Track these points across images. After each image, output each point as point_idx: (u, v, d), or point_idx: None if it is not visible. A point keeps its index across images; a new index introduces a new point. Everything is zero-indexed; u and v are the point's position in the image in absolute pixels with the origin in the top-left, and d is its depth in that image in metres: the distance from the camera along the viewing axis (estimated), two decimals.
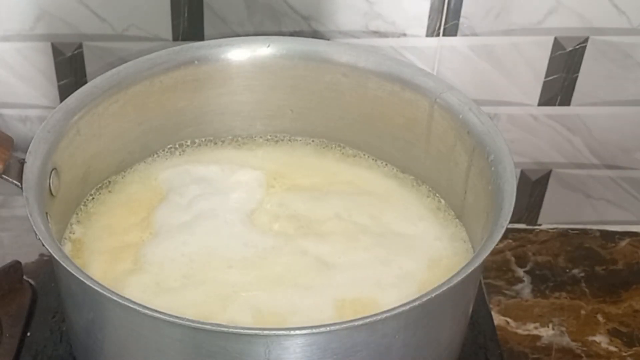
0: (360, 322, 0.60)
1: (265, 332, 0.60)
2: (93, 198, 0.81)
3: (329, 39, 0.93)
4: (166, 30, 0.93)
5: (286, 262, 0.75)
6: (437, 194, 0.83)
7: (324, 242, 0.77)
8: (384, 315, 0.60)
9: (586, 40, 0.94)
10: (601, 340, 0.87)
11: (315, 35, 0.93)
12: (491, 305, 0.89)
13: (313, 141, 0.88)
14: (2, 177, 0.69)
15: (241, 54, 0.83)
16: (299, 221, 0.79)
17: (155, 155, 0.85)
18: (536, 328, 0.88)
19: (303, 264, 0.75)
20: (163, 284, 0.73)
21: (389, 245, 0.77)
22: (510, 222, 0.66)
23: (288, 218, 0.80)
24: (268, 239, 0.77)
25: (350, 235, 0.78)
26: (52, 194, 0.73)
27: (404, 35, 0.93)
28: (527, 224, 1.01)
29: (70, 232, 0.78)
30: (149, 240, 0.77)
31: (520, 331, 0.87)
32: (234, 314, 0.70)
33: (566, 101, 0.98)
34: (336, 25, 0.93)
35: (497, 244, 0.65)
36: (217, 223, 0.78)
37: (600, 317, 0.89)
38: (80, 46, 0.93)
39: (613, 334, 0.87)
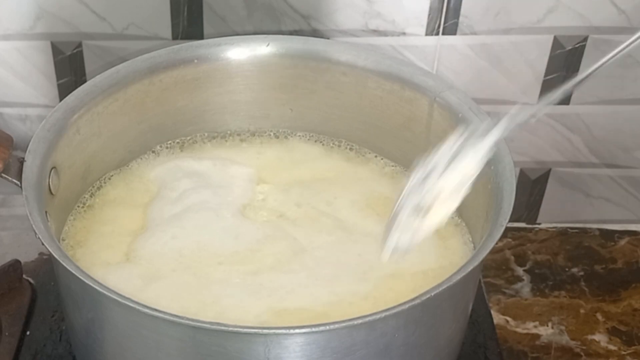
0: (360, 321, 0.60)
1: (265, 331, 0.60)
2: (92, 196, 0.81)
3: (328, 38, 0.93)
4: (166, 30, 0.93)
5: (275, 255, 0.75)
6: None
7: (319, 238, 0.77)
8: (384, 314, 0.60)
9: (586, 39, 0.94)
10: (600, 339, 0.87)
11: (315, 34, 0.93)
12: (490, 304, 0.89)
13: (312, 139, 0.88)
14: (2, 176, 0.69)
15: (240, 53, 0.83)
16: (292, 219, 0.79)
17: (155, 154, 0.85)
18: (535, 327, 0.88)
19: (290, 256, 0.75)
20: (152, 277, 0.73)
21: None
22: (510, 221, 0.66)
23: (281, 216, 0.80)
24: (258, 234, 0.77)
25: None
26: (51, 192, 0.73)
27: (404, 34, 0.93)
28: (527, 223, 1.01)
29: (69, 231, 0.78)
30: (141, 234, 0.77)
31: (519, 330, 0.87)
32: (224, 304, 0.70)
33: (566, 100, 0.98)
34: (336, 24, 0.93)
35: (496, 243, 0.65)
36: (208, 216, 0.78)
37: (599, 316, 0.89)
38: (79, 45, 0.93)
39: (612, 332, 0.87)
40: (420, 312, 0.64)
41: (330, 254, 0.75)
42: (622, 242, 0.97)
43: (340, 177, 0.85)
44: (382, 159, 0.86)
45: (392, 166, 0.85)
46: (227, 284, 0.72)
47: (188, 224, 0.78)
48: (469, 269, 0.63)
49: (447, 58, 0.95)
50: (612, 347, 0.86)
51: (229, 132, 0.88)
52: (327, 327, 0.60)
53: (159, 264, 0.74)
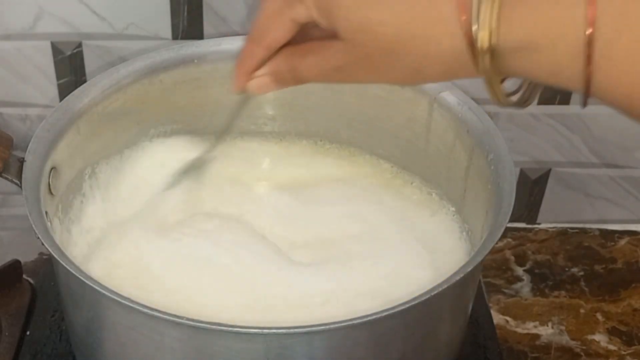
0: (360, 321, 0.60)
1: (265, 331, 0.60)
2: (92, 196, 0.81)
3: None
4: (166, 29, 0.92)
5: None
6: (436, 193, 0.83)
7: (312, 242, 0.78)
8: (384, 314, 0.60)
9: None
10: (600, 339, 0.87)
11: None
12: (490, 304, 0.89)
13: (311, 139, 0.88)
14: (2, 176, 0.70)
15: None
16: (289, 221, 0.80)
17: (155, 154, 0.85)
18: (535, 327, 0.88)
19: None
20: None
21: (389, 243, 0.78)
22: (510, 221, 0.66)
23: (277, 216, 0.80)
24: (251, 233, 0.77)
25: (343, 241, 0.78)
26: (51, 192, 0.73)
27: None
28: (527, 223, 1.01)
29: (69, 231, 0.78)
30: (142, 236, 0.77)
31: (519, 330, 0.87)
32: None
33: (566, 100, 0.98)
34: None
35: (496, 243, 0.65)
36: (206, 218, 0.78)
37: (599, 316, 0.89)
38: (79, 45, 0.93)
39: (612, 332, 0.87)
40: (420, 312, 0.64)
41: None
42: (622, 242, 0.97)
43: (339, 178, 0.85)
44: (379, 160, 0.86)
45: (392, 167, 0.85)
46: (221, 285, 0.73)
47: (187, 226, 0.78)
48: (469, 269, 0.63)
49: None
50: (612, 347, 0.86)
51: (229, 132, 0.88)
52: (327, 327, 0.60)
53: (160, 266, 0.74)
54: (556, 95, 0.98)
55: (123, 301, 0.60)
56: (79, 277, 0.62)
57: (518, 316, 0.88)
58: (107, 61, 0.94)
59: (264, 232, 0.78)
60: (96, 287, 0.61)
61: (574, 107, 0.98)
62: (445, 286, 0.62)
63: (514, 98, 0.53)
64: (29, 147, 0.71)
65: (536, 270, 0.93)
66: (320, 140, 0.88)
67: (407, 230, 0.79)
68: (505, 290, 0.91)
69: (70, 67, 0.95)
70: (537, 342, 0.86)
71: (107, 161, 0.82)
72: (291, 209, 0.81)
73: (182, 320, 0.59)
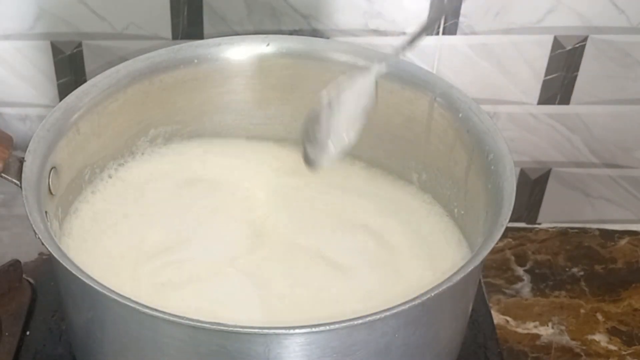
0: (360, 321, 0.60)
1: (265, 331, 0.60)
2: (92, 196, 0.81)
3: (328, 38, 0.93)
4: (166, 29, 0.93)
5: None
6: (437, 193, 0.83)
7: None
8: (384, 314, 0.60)
9: (586, 39, 0.94)
10: (600, 339, 0.87)
11: (315, 34, 0.93)
12: (491, 304, 0.89)
13: None
14: (2, 176, 0.69)
15: (240, 52, 0.83)
16: (288, 220, 0.80)
17: (155, 154, 0.86)
18: (536, 327, 0.88)
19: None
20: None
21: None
22: (510, 220, 0.66)
23: (278, 217, 0.80)
24: (245, 234, 0.78)
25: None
26: (51, 192, 0.73)
27: (404, 34, 0.94)
28: (527, 223, 1.01)
29: (69, 231, 0.78)
30: (142, 235, 0.77)
31: (519, 330, 0.87)
32: None
33: (566, 100, 0.98)
34: (336, 23, 0.93)
35: (496, 243, 0.65)
36: (206, 218, 0.79)
37: (599, 316, 0.89)
38: (79, 45, 0.94)
39: (612, 332, 0.87)
40: (420, 312, 0.64)
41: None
42: (622, 242, 0.97)
43: (338, 179, 0.85)
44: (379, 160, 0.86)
45: (391, 168, 0.86)
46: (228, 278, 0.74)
47: (186, 226, 0.78)
48: (469, 269, 0.63)
49: (447, 58, 0.95)
50: (612, 347, 0.86)
51: (229, 132, 0.88)
52: (327, 327, 0.60)
53: (160, 266, 0.74)
54: (556, 95, 0.98)
55: (123, 301, 0.60)
56: (79, 277, 0.62)
57: (518, 316, 0.88)
58: (107, 61, 0.94)
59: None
60: (96, 287, 0.61)
61: (574, 107, 0.99)
62: (445, 286, 0.62)
63: None
64: (29, 147, 0.71)
65: (536, 270, 0.93)
66: None
67: (406, 230, 0.79)
68: (506, 290, 0.91)
69: (70, 67, 0.95)
70: (537, 342, 0.86)
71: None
72: (284, 210, 0.81)
73: (182, 320, 0.59)
